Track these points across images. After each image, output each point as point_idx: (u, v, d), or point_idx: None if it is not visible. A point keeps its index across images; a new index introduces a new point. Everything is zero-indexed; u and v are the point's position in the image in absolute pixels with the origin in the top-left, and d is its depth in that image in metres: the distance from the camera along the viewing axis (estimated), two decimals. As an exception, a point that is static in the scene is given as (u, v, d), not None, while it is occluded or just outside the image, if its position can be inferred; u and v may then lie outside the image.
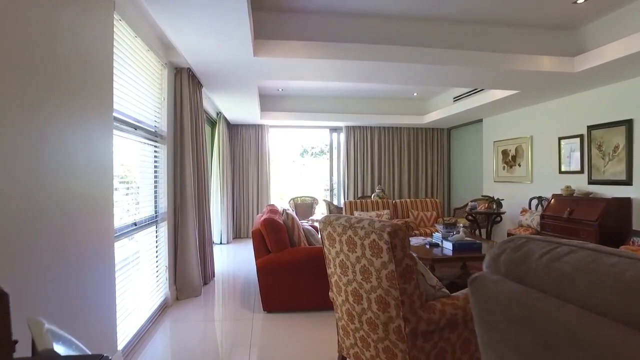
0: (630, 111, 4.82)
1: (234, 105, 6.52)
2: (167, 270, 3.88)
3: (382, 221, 2.03)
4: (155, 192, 3.72)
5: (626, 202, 4.80)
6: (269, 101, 8.26)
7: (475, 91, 6.73)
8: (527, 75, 4.54)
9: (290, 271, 3.69)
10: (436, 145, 9.52)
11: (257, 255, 3.75)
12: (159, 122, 3.80)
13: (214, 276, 5.10)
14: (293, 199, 9.23)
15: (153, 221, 3.61)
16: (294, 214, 4.34)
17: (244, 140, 8.69)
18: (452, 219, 4.93)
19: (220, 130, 7.54)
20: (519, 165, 6.80)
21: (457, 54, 4.18)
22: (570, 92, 5.50)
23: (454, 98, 7.52)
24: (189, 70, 4.26)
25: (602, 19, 4.22)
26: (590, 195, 5.21)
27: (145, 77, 3.34)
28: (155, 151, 3.72)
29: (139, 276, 3.24)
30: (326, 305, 3.64)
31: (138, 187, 3.33)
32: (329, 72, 4.46)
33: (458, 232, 4.64)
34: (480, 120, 8.01)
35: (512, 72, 4.46)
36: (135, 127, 3.09)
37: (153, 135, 3.57)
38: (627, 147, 4.85)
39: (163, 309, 3.74)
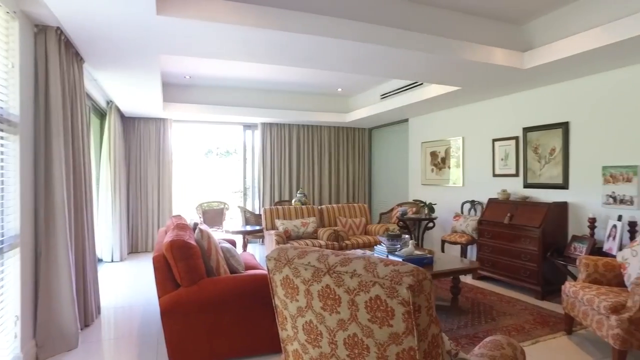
0: (567, 114, 4.67)
1: (129, 92, 5.22)
2: (18, 322, 2.62)
3: (390, 262, 1.22)
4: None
5: (563, 207, 4.64)
6: (173, 91, 7.00)
7: (404, 88, 6.30)
8: (478, 68, 4.10)
9: (210, 311, 2.70)
10: (357, 146, 9.04)
11: (161, 292, 2.69)
12: (4, 100, 2.55)
13: (99, 313, 3.85)
14: (201, 205, 8.04)
15: (-7, 250, 2.36)
16: (209, 230, 3.34)
17: (142, 137, 7.28)
18: (395, 230, 4.35)
19: (112, 123, 6.12)
20: (449, 167, 6.53)
21: (414, 37, 3.55)
22: (508, 92, 5.27)
23: (382, 95, 7.04)
24: (60, 31, 3.02)
25: (549, 14, 3.92)
26: (528, 200, 5.00)
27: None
28: (-2, 144, 2.47)
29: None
30: (264, 351, 2.73)
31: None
32: (261, 49, 3.53)
33: (406, 245, 4.04)
34: (406, 120, 7.66)
35: (464, 64, 3.98)
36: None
37: (-7, 120, 2.34)
38: (563, 150, 4.69)
39: (12, 380, 2.50)
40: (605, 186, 4.25)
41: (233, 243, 4.68)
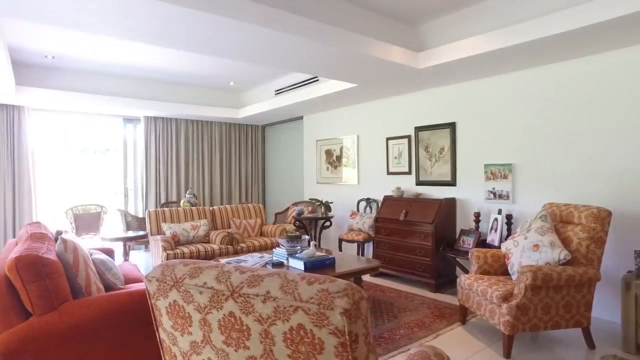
0: (454, 115, 4.94)
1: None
2: None
3: (313, 278, 0.95)
4: None
5: (452, 203, 4.89)
6: (31, 72, 5.85)
7: (300, 84, 6.14)
8: (375, 64, 4.07)
9: (77, 343, 2.15)
10: (250, 143, 8.66)
11: (0, 327, 2.06)
12: None
13: None
14: (72, 209, 6.91)
15: None
16: (75, 240, 2.73)
17: (-13, 127, 5.97)
18: (292, 230, 4.12)
19: (-60, 107, 4.86)
20: (345, 165, 6.54)
21: (309, 25, 3.33)
22: (402, 92, 5.41)
23: (276, 91, 6.80)
24: None
25: (443, 18, 4.06)
26: (421, 197, 5.19)
27: None
28: None
29: None
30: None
31: None
32: (142, 24, 2.99)
33: (306, 247, 3.83)
34: (301, 118, 7.53)
35: (361, 59, 3.90)
36: None
37: None
38: (451, 149, 4.96)
39: None
40: (487, 183, 4.57)
41: (110, 252, 3.99)
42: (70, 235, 2.79)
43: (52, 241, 2.75)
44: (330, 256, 3.73)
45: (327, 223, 6.10)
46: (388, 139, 5.77)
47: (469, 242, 4.43)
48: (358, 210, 6.12)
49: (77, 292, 2.47)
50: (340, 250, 5.87)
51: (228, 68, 6.01)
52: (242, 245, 5.07)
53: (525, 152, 4.26)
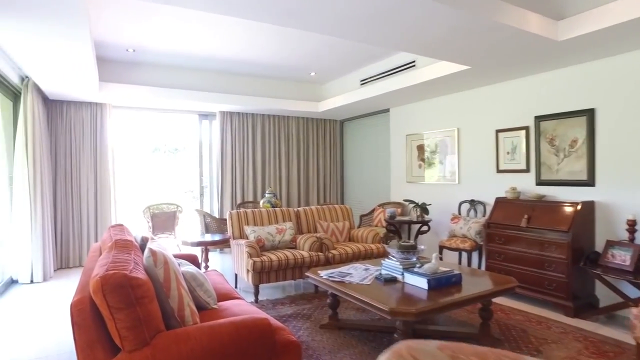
0: (593, 99, 4.01)
1: (48, 61, 3.96)
2: None
3: None
4: None
5: (590, 207, 3.98)
6: (112, 68, 5.71)
7: (390, 72, 5.48)
8: (507, 36, 3.30)
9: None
10: (328, 140, 8.12)
11: (87, 365, 1.61)
12: None
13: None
14: (149, 208, 6.78)
15: None
16: (164, 250, 2.28)
17: (72, 125, 5.92)
18: (407, 241, 3.47)
19: (29, 105, 4.78)
20: (441, 163, 5.77)
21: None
22: (522, 75, 4.55)
23: (362, 81, 6.17)
24: None
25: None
26: (544, 199, 4.31)
27: None
28: None
29: None
30: None
31: None
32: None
33: (420, 257, 3.16)
34: (387, 111, 6.84)
35: (492, 29, 3.16)
36: None
37: None
38: (588, 141, 4.04)
39: None
40: (644, 182, 3.62)
41: (194, 260, 3.59)
42: (157, 245, 2.35)
43: (138, 250, 2.32)
44: (456, 272, 3.04)
45: (425, 227, 5.37)
46: (498, 131, 4.93)
47: (623, 257, 3.51)
48: (460, 214, 5.33)
49: (169, 317, 2.00)
50: (441, 259, 5.12)
51: (310, 55, 5.48)
52: (334, 252, 4.49)
53: None
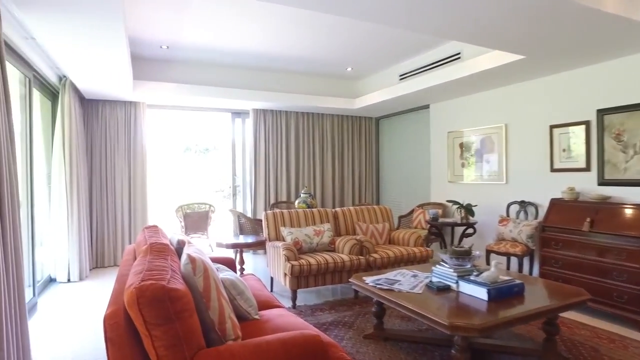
0: (667, 88, 3.60)
1: (85, 60, 3.89)
2: None
3: None
4: None
5: (664, 210, 3.56)
6: (146, 66, 5.66)
7: (431, 65, 5.18)
8: (578, 18, 2.96)
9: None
10: (364, 138, 7.86)
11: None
12: None
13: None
14: (182, 207, 6.72)
15: None
16: (203, 257, 2.10)
17: (107, 124, 5.90)
18: (461, 246, 3.19)
19: (67, 105, 4.76)
20: (486, 161, 5.41)
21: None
22: (580, 64, 4.16)
23: (401, 76, 5.89)
24: None
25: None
26: (609, 200, 3.92)
27: None
28: None
29: None
30: None
31: None
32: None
33: (477, 264, 2.87)
34: (427, 107, 6.52)
35: (562, 10, 2.83)
36: None
37: None
38: (661, 136, 3.63)
39: None
40: None
41: (230, 263, 3.41)
42: (194, 250, 2.16)
43: (174, 255, 2.14)
44: (518, 281, 2.73)
45: (470, 230, 5.03)
46: (552, 126, 4.54)
47: None
48: (508, 216, 4.97)
49: (208, 330, 1.81)
50: (488, 264, 4.78)
51: (346, 49, 5.24)
52: (374, 255, 4.24)
53: None
